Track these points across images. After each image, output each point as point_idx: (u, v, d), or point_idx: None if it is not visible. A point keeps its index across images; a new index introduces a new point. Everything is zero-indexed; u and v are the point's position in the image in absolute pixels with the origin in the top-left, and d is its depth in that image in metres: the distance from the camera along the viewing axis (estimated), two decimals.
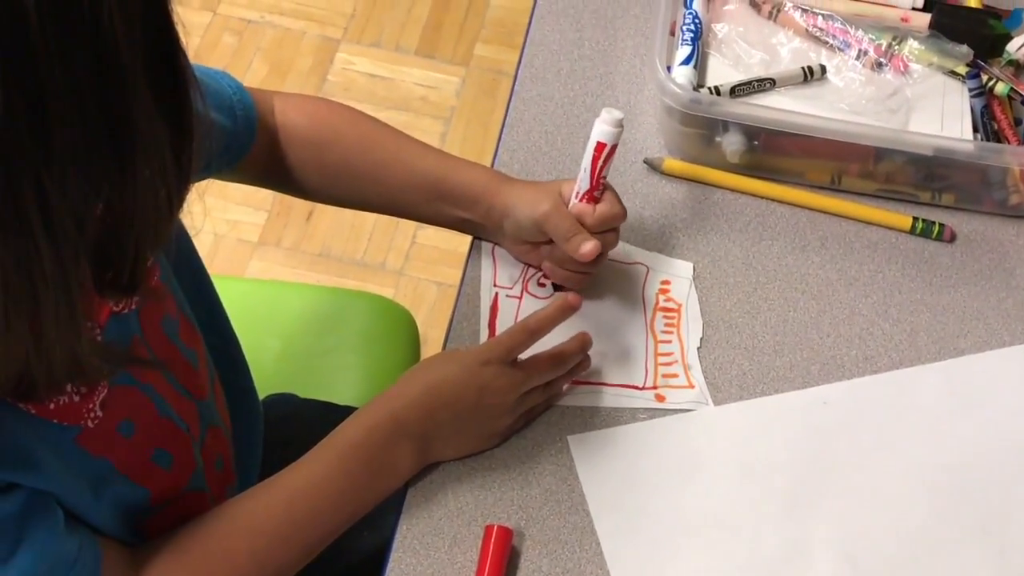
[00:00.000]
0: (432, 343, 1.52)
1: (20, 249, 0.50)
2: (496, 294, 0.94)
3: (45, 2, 0.47)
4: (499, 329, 0.91)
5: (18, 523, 0.65)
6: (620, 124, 0.86)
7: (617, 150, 0.87)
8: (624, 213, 0.89)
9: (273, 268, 1.80)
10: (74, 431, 0.68)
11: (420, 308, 1.77)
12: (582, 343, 0.87)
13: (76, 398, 0.68)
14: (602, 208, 0.88)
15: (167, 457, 0.76)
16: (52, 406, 0.67)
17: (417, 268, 1.85)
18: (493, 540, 0.79)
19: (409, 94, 2.04)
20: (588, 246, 0.86)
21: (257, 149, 0.91)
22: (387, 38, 2.12)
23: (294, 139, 0.93)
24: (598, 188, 0.88)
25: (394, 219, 1.81)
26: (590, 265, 0.89)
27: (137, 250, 0.58)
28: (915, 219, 0.99)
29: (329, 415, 1.07)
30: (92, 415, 0.69)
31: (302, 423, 1.05)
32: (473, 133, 1.99)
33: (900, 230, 0.99)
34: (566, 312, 0.85)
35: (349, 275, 1.82)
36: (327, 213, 1.89)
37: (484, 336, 0.91)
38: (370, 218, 1.89)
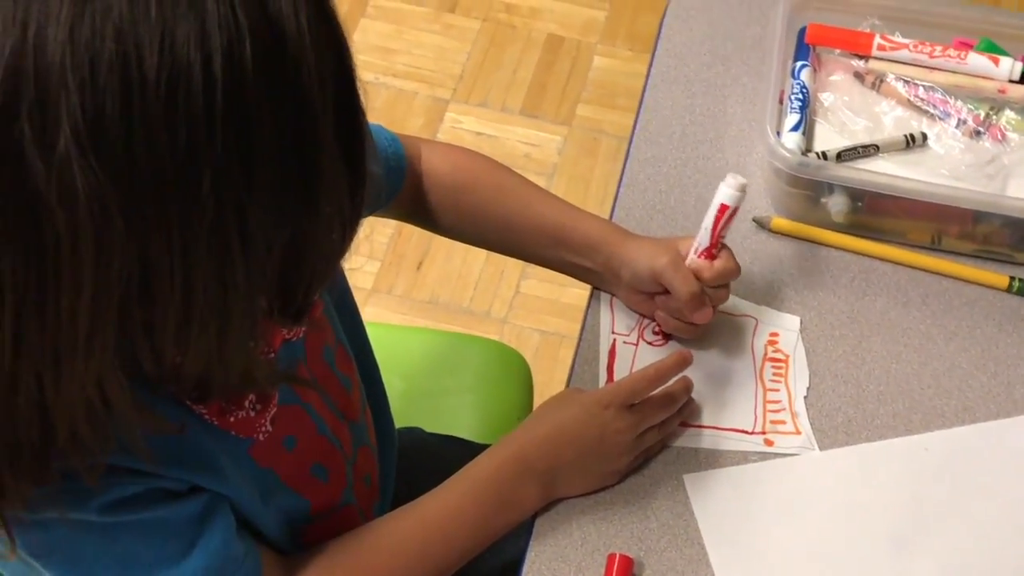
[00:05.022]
0: (537, 388, 1.59)
1: (219, 261, 0.57)
2: (614, 340, 1.01)
3: (260, 61, 0.54)
4: (617, 373, 0.99)
5: (199, 522, 0.74)
6: (743, 189, 0.93)
7: (737, 213, 0.94)
8: (738, 270, 0.96)
9: (385, 314, 1.90)
10: (247, 443, 0.77)
11: (523, 355, 1.84)
12: (686, 385, 0.94)
13: (252, 413, 0.77)
14: (719, 264, 0.95)
15: (324, 471, 0.85)
16: (232, 419, 0.76)
17: (520, 316, 1.93)
18: (616, 568, 0.86)
19: (513, 151, 2.13)
20: (705, 312, 0.94)
21: (404, 192, 1.01)
22: (493, 98, 2.22)
23: (436, 184, 1.03)
24: (716, 246, 0.95)
25: (498, 270, 1.95)
26: None
27: (311, 281, 0.65)
28: (1012, 278, 1.04)
29: (453, 448, 1.16)
30: (263, 429, 0.78)
31: (429, 454, 1.13)
32: (574, 189, 2.07)
33: (997, 289, 1.05)
34: (683, 365, 0.93)
35: (456, 322, 1.90)
36: (436, 263, 1.98)
37: (603, 379, 0.98)
38: (476, 268, 1.98)
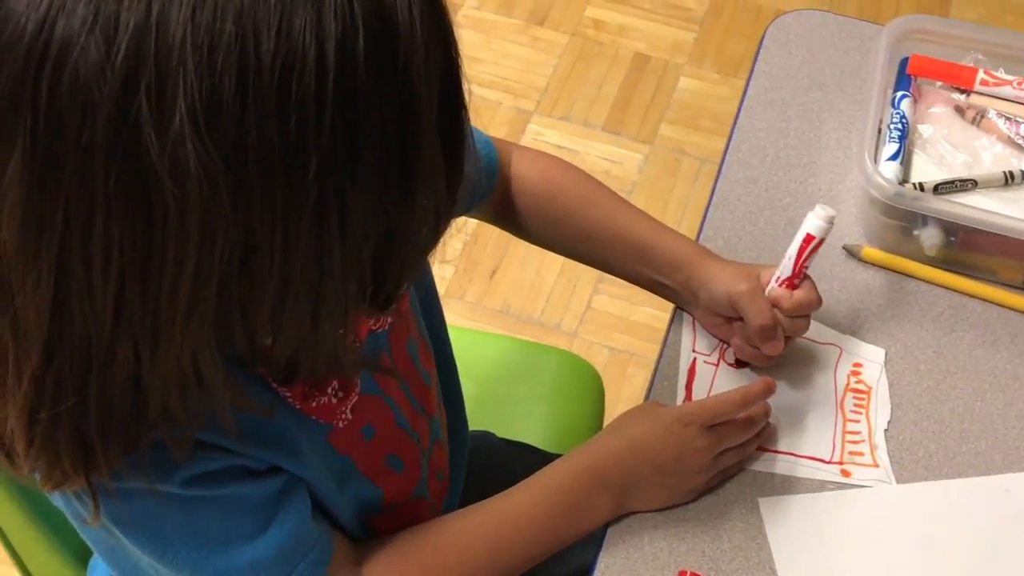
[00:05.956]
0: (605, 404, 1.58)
1: (318, 244, 0.58)
2: (694, 359, 1.00)
3: (372, 52, 0.55)
4: (695, 392, 0.98)
5: (276, 502, 0.75)
6: (831, 221, 0.92)
7: (822, 245, 0.93)
8: (819, 301, 0.95)
9: (457, 320, 1.91)
10: (327, 429, 0.78)
11: None
12: (766, 410, 0.93)
13: (334, 400, 0.78)
14: (799, 294, 0.94)
15: (399, 462, 0.85)
16: (314, 404, 0.77)
17: (590, 331, 1.93)
18: None
19: (594, 167, 2.13)
20: (775, 345, 0.94)
21: (494, 194, 1.02)
22: (577, 113, 2.23)
23: (524, 189, 1.03)
24: (799, 276, 0.94)
25: (571, 283, 1.96)
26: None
27: (401, 271, 0.66)
28: None
29: (523, 454, 1.16)
30: (343, 417, 0.79)
31: (499, 458, 1.14)
32: (652, 208, 2.06)
33: None
34: (768, 393, 0.92)
35: (526, 332, 1.91)
36: (510, 272, 1.99)
37: (680, 396, 0.98)
38: (549, 280, 1.98)
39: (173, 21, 0.52)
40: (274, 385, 0.74)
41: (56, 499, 0.74)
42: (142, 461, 0.66)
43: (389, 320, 0.83)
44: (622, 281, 1.05)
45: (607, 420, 1.30)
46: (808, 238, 0.93)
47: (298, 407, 0.76)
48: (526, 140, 2.17)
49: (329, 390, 0.78)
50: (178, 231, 0.55)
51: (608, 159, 2.16)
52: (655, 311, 1.86)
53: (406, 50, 0.57)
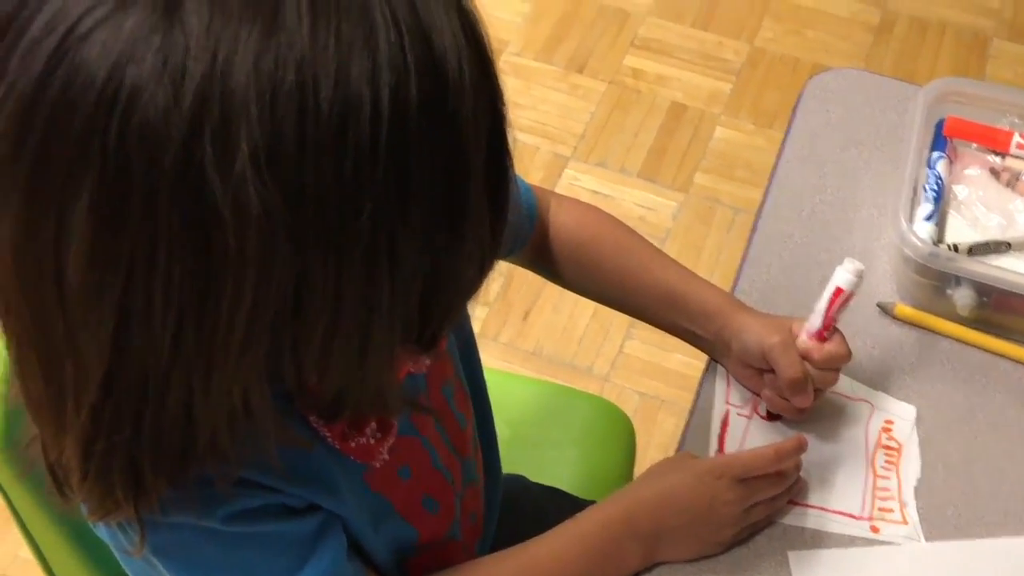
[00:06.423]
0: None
1: (368, 283, 0.60)
2: (727, 411, 1.02)
3: (423, 100, 0.57)
4: (727, 443, 0.99)
5: (313, 540, 0.76)
6: (860, 275, 0.94)
7: (852, 299, 0.95)
8: (849, 355, 0.97)
9: (489, 360, 1.89)
10: (364, 469, 0.80)
11: None
12: (797, 464, 0.95)
13: (372, 440, 0.80)
14: (829, 347, 0.96)
15: (434, 503, 0.87)
16: (352, 444, 0.79)
17: (622, 376, 1.94)
18: None
19: (628, 213, 2.15)
20: (804, 398, 0.96)
21: (531, 240, 1.04)
22: (613, 159, 2.26)
23: (560, 236, 1.06)
24: (828, 329, 0.96)
25: (604, 327, 1.97)
26: None
27: (446, 312, 0.68)
28: None
29: (555, 499, 1.17)
30: (381, 457, 0.81)
31: (531, 502, 1.15)
32: (686, 255, 2.08)
33: None
34: (801, 450, 0.94)
35: (558, 375, 1.92)
36: (543, 314, 2.01)
37: (713, 448, 0.99)
38: (581, 323, 2.00)
39: (237, 70, 0.54)
40: (314, 424, 0.76)
41: (100, 530, 0.76)
42: (187, 495, 0.68)
43: (427, 363, 0.85)
44: None
45: (638, 466, 1.32)
46: (837, 291, 0.94)
47: (337, 446, 0.78)
48: (562, 185, 2.20)
49: (368, 431, 0.80)
50: (237, 268, 0.57)
51: (643, 206, 2.18)
52: (687, 358, 1.88)
53: (455, 98, 0.59)
